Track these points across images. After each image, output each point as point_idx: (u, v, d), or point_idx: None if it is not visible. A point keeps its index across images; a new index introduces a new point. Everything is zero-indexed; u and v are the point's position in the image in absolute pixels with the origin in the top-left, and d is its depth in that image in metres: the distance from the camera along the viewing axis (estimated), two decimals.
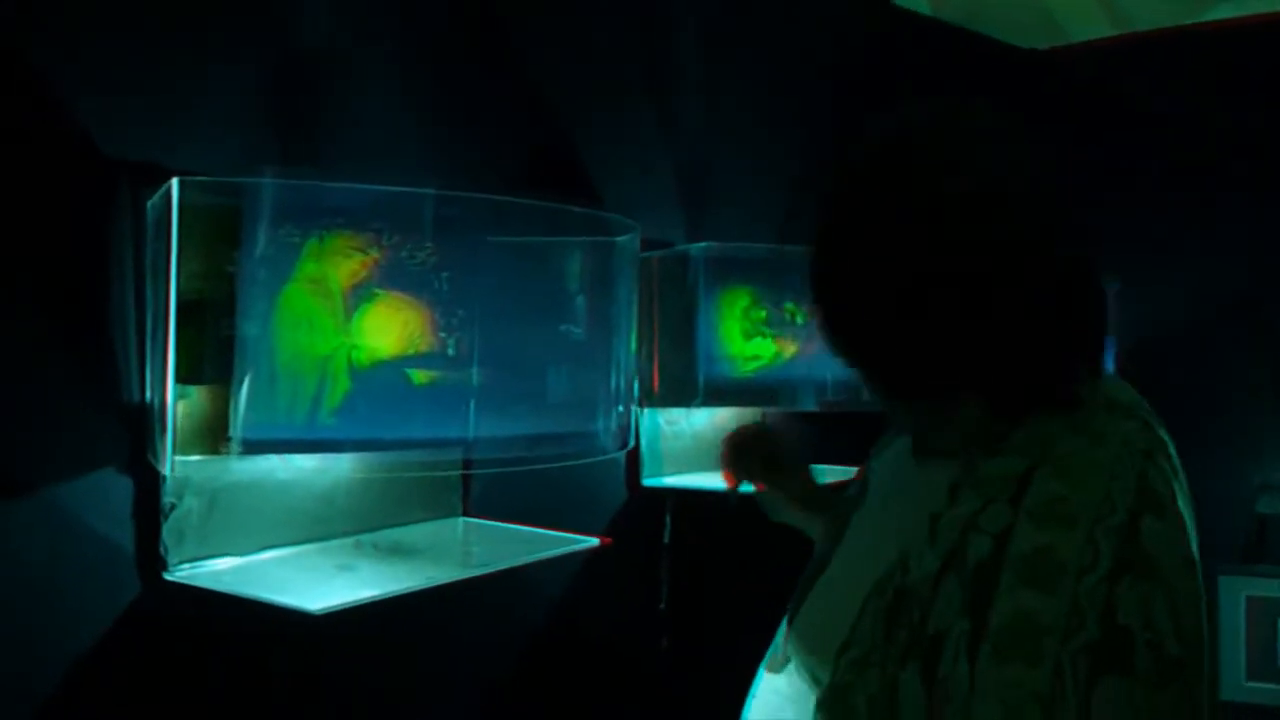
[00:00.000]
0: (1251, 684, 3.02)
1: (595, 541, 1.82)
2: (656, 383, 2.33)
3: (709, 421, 2.63)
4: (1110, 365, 2.23)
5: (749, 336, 2.36)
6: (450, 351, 1.50)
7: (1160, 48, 3.55)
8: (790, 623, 1.01)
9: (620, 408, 1.73)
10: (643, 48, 2.57)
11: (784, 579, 2.69)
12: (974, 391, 0.87)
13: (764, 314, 2.38)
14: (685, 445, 2.57)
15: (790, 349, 2.41)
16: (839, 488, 1.20)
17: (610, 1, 2.45)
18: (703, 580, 2.53)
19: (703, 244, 2.26)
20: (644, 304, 2.35)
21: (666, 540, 2.47)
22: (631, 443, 1.80)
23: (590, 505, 2.30)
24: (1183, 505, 0.86)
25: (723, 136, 2.80)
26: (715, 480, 2.52)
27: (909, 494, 0.94)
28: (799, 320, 2.41)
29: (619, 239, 1.81)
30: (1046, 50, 3.82)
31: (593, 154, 2.36)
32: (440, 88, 2.03)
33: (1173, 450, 0.90)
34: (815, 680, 0.92)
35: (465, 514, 1.98)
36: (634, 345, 1.79)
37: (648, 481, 2.44)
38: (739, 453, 1.33)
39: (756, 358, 2.37)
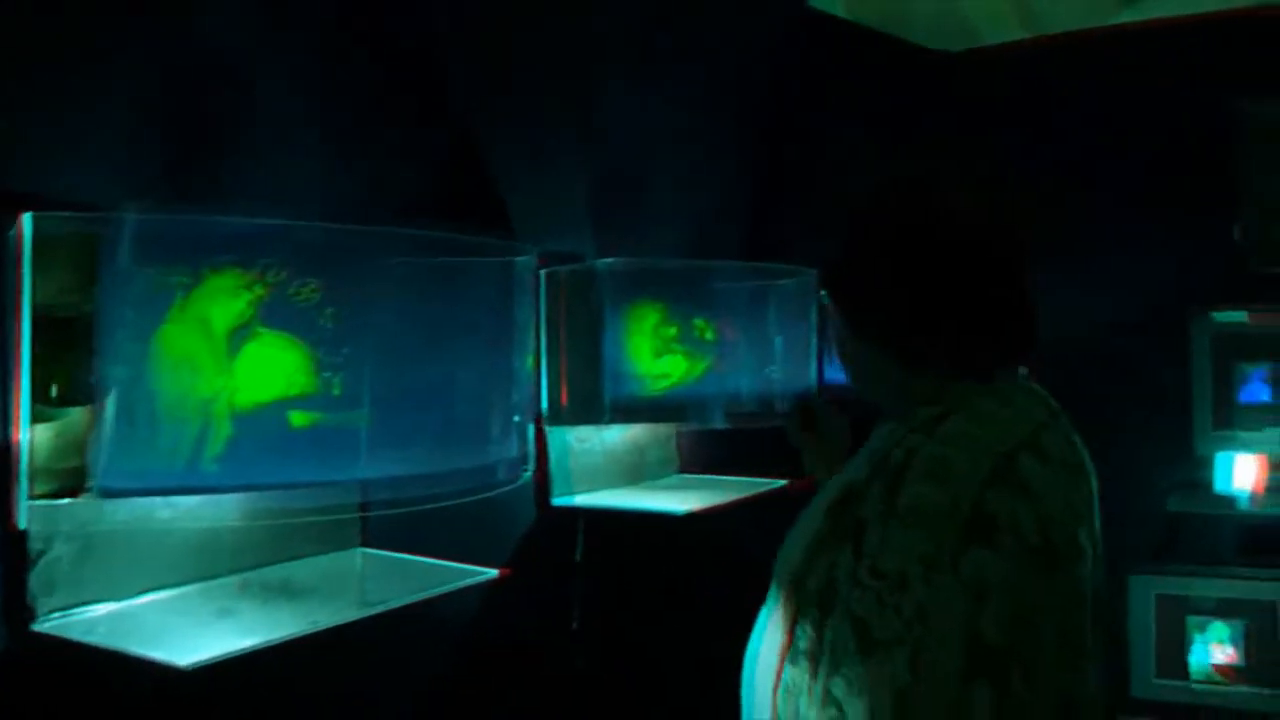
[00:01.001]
0: (1161, 681, 3.07)
1: (494, 573, 1.77)
2: (565, 400, 2.29)
3: (621, 437, 2.60)
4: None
5: (659, 354, 2.33)
6: (335, 391, 1.44)
7: (1071, 50, 3.58)
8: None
9: (518, 436, 1.69)
10: (554, 56, 2.52)
11: (697, 595, 2.67)
12: (932, 368, 1.18)
13: (674, 331, 2.35)
14: (596, 462, 2.53)
15: (701, 366, 2.38)
16: None
17: (522, 10, 2.40)
18: (616, 599, 2.50)
19: (608, 259, 2.22)
20: (553, 319, 2.31)
21: (578, 559, 2.43)
22: (529, 471, 1.75)
23: (498, 527, 2.25)
24: (1080, 463, 1.18)
25: (638, 146, 2.76)
26: (628, 498, 2.50)
27: (869, 442, 1.22)
28: (709, 337, 2.38)
29: (519, 260, 1.76)
30: (961, 52, 3.84)
31: (502, 165, 2.30)
32: (341, 101, 1.96)
33: (1078, 440, 1.22)
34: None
35: (364, 545, 1.92)
36: (530, 367, 1.74)
37: (557, 501, 2.39)
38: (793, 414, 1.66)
39: (666, 376, 2.34)
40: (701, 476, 2.81)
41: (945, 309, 1.17)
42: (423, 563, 1.84)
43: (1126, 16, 3.39)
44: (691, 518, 2.28)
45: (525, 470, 1.73)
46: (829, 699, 1.02)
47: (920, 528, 1.03)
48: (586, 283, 2.24)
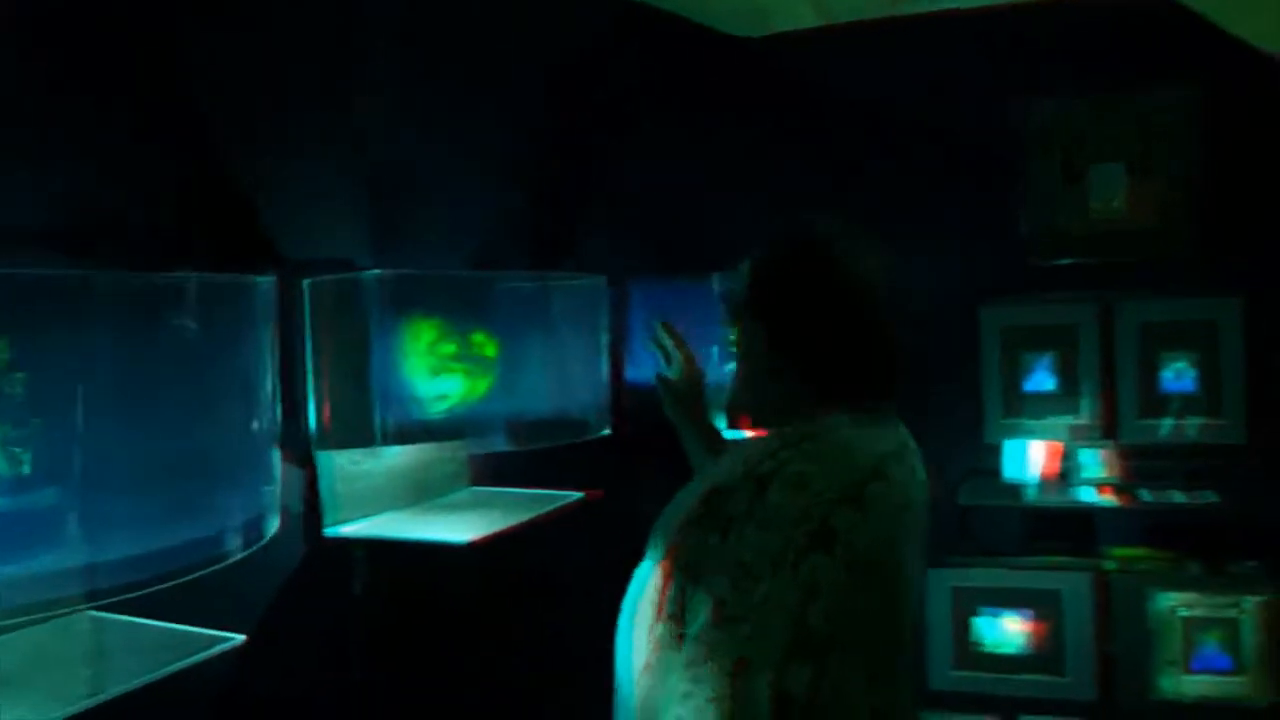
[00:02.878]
0: (957, 672, 3.13)
1: (239, 639, 1.58)
2: (329, 423, 2.09)
3: (404, 453, 2.41)
4: None
5: (436, 373, 2.15)
6: (25, 469, 1.21)
7: (859, 40, 3.55)
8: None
9: (259, 488, 1.49)
10: (312, 43, 2.28)
11: (489, 627, 2.52)
12: (828, 392, 1.43)
13: (453, 348, 2.17)
14: (376, 483, 2.34)
15: (483, 384, 2.21)
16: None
17: None
18: (401, 636, 2.32)
19: (375, 270, 2.02)
20: (319, 336, 2.10)
21: (357, 594, 2.24)
22: (272, 530, 1.56)
23: (257, 570, 2.02)
24: (916, 495, 1.42)
25: (416, 142, 2.56)
26: (410, 522, 2.32)
27: (747, 444, 1.46)
28: (490, 352, 2.22)
29: (254, 284, 1.56)
30: (759, 38, 3.77)
31: (255, 171, 2.06)
32: (45, 107, 1.68)
33: (921, 471, 1.47)
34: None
35: (95, 607, 1.67)
36: (271, 405, 1.53)
37: (330, 531, 2.19)
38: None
39: (445, 397, 2.17)
40: (494, 490, 2.66)
41: (861, 346, 1.43)
42: (161, 629, 1.63)
43: (917, 7, 3.37)
44: (473, 547, 2.12)
45: (268, 529, 1.54)
46: (691, 660, 1.24)
47: (775, 530, 1.25)
48: (352, 295, 2.04)
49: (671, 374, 1.89)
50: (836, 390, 1.41)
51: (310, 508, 2.18)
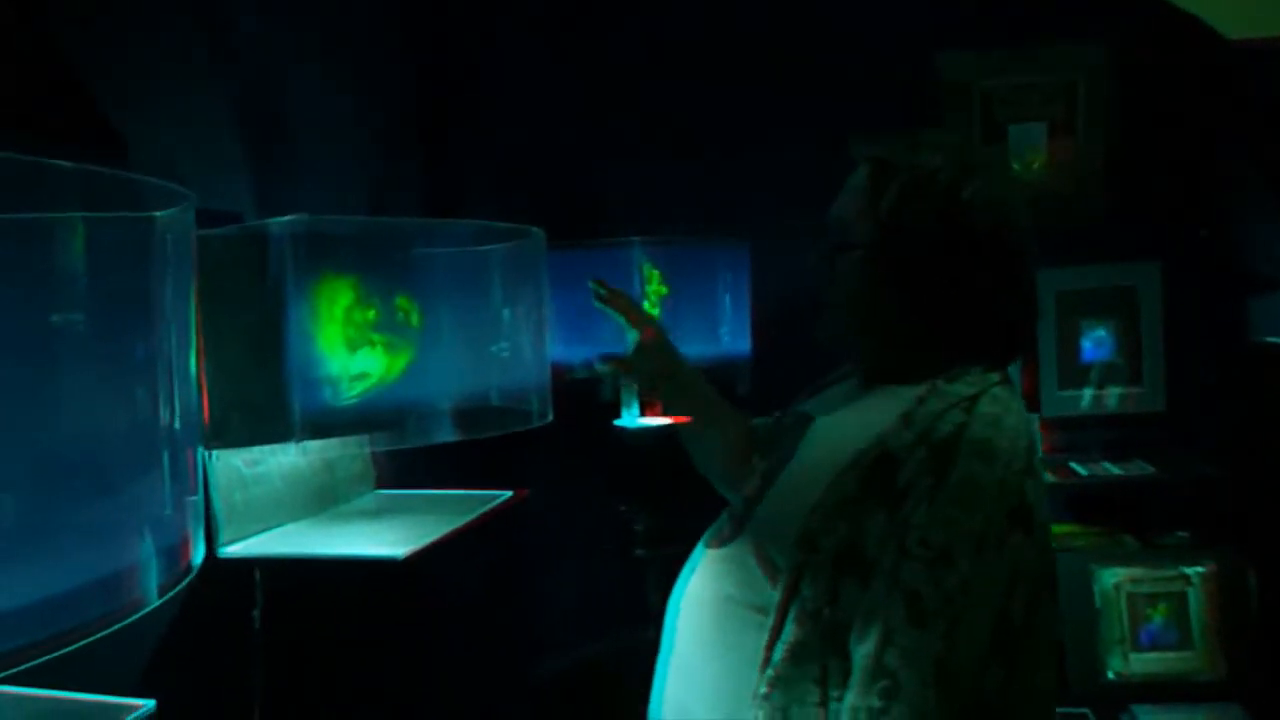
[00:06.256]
0: None
1: (150, 706, 1.16)
2: (226, 414, 1.66)
3: (307, 456, 1.97)
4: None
5: (355, 347, 1.74)
6: None
7: None
8: (747, 513, 1.28)
9: (177, 509, 1.07)
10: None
11: (417, 652, 2.12)
12: (943, 339, 1.26)
13: (373, 314, 1.77)
14: (275, 490, 1.91)
15: (400, 362, 1.80)
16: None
17: None
18: (313, 672, 1.90)
19: (289, 217, 1.59)
20: (209, 304, 1.66)
21: (257, 626, 1.80)
22: (199, 558, 1.13)
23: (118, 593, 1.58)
24: None
25: (287, 69, 2.14)
26: (321, 535, 1.90)
27: (872, 407, 1.25)
28: (414, 322, 1.81)
29: (158, 215, 1.13)
30: None
31: (116, 98, 1.62)
32: None
33: None
34: (769, 556, 1.19)
35: None
36: (195, 396, 1.11)
37: (225, 550, 1.76)
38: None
39: (364, 376, 1.75)
40: (405, 493, 2.26)
41: (1008, 301, 1.26)
42: (48, 699, 1.18)
43: None
44: (413, 561, 1.73)
45: (196, 557, 1.12)
46: (880, 670, 1.04)
47: (971, 505, 1.08)
48: (254, 252, 1.61)
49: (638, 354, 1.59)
50: (978, 345, 1.25)
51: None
